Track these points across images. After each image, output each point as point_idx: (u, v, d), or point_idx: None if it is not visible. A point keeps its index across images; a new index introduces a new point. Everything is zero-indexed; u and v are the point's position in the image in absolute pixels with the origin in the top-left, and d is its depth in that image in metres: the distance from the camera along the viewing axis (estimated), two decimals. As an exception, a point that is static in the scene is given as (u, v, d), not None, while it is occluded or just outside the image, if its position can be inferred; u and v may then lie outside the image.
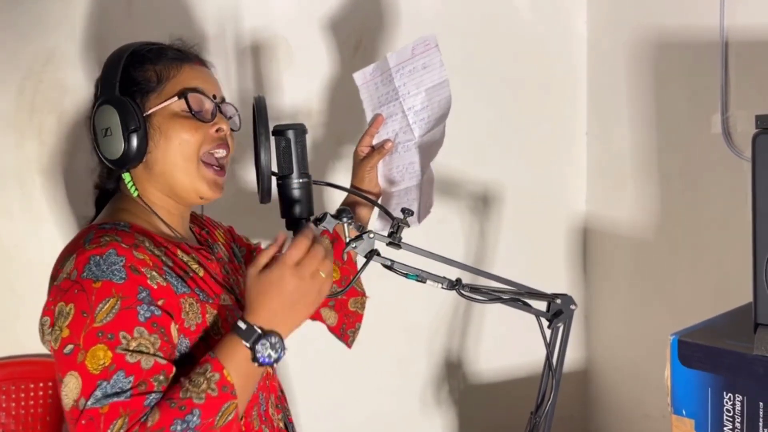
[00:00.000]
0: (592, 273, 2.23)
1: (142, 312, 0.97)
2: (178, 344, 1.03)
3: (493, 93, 2.07)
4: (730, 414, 1.09)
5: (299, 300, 1.01)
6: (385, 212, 1.28)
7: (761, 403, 1.06)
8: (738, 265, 1.47)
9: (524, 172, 2.14)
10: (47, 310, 1.00)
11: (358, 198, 1.36)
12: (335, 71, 1.88)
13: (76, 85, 1.62)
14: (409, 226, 1.18)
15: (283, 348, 1.00)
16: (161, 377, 0.96)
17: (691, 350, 1.13)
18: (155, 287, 1.00)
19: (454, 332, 2.12)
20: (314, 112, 1.87)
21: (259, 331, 0.98)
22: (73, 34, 1.63)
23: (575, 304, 1.24)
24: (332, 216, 1.15)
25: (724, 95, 1.67)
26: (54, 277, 1.03)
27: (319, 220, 1.15)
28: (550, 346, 1.25)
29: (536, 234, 2.17)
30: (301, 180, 1.09)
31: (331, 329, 1.41)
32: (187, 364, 1.03)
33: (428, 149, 1.31)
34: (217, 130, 1.13)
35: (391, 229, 1.17)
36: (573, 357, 2.23)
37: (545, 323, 1.25)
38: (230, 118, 1.18)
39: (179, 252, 1.10)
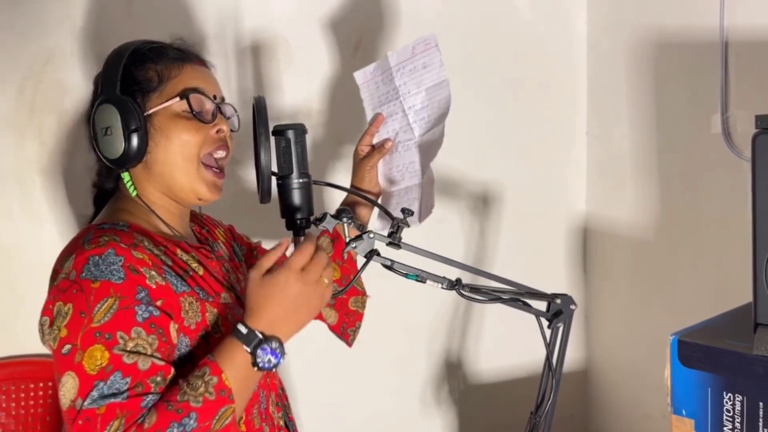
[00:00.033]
0: (592, 273, 2.23)
1: (140, 312, 0.97)
2: (178, 343, 1.03)
3: (493, 93, 2.07)
4: (730, 414, 1.09)
5: (302, 306, 1.01)
6: (385, 212, 1.28)
7: (761, 403, 1.06)
8: (738, 265, 1.47)
9: (524, 172, 2.14)
10: (46, 310, 1.00)
11: (357, 198, 1.36)
12: (335, 71, 1.88)
13: (76, 85, 1.63)
14: (408, 226, 1.18)
15: (283, 353, 1.00)
16: (158, 378, 0.96)
17: (691, 350, 1.13)
18: (154, 287, 1.00)
19: (454, 332, 2.12)
20: (314, 112, 1.87)
21: (260, 336, 0.98)
22: (73, 34, 1.63)
23: (575, 304, 1.24)
24: (332, 216, 1.15)
25: (724, 95, 1.67)
26: (54, 277, 1.04)
27: (319, 220, 1.15)
28: (550, 346, 1.25)
29: (536, 234, 2.17)
30: (301, 180, 1.09)
31: (332, 328, 1.41)
32: (187, 362, 1.03)
33: (428, 149, 1.31)
34: (217, 131, 1.13)
35: (391, 229, 1.17)
36: (573, 357, 2.23)
37: (545, 323, 1.25)
38: (229, 118, 1.18)
39: (179, 251, 1.10)
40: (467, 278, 1.22)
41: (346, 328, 1.41)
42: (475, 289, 1.20)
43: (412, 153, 1.33)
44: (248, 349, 0.98)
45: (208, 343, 1.06)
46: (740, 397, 1.08)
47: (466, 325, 2.13)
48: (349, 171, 1.39)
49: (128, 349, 0.95)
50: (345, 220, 1.14)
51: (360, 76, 1.37)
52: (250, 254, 1.38)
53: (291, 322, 1.01)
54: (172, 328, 1.01)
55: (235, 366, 0.97)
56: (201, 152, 1.11)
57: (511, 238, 2.13)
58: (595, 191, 2.19)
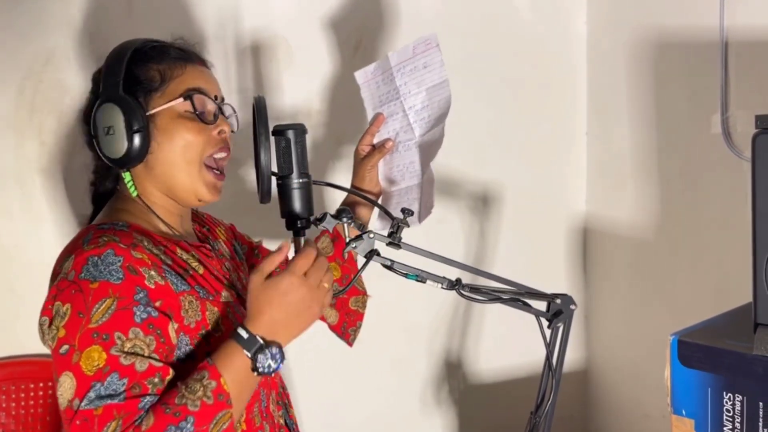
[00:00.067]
0: (592, 273, 2.23)
1: (138, 313, 0.97)
2: (178, 342, 1.03)
3: (493, 93, 2.07)
4: (730, 414, 1.09)
5: (303, 311, 1.01)
6: (385, 212, 1.28)
7: (761, 403, 1.06)
8: (738, 265, 1.47)
9: (524, 172, 2.14)
10: (46, 310, 1.00)
11: (358, 198, 1.36)
12: (335, 71, 1.88)
13: (76, 85, 1.62)
14: (408, 226, 1.18)
15: (282, 358, 0.99)
16: (156, 380, 0.96)
17: (691, 350, 1.13)
18: (153, 287, 1.00)
19: (454, 332, 2.12)
20: (314, 112, 1.87)
21: (261, 341, 0.98)
22: (73, 34, 1.63)
23: (575, 304, 1.24)
24: (332, 216, 1.15)
25: (724, 95, 1.67)
26: (54, 277, 1.04)
27: (319, 220, 1.15)
28: (550, 346, 1.25)
29: (536, 234, 2.17)
30: (301, 180, 1.09)
31: (332, 328, 1.41)
32: (187, 361, 1.03)
33: (428, 149, 1.31)
34: (219, 132, 1.13)
35: (391, 229, 1.17)
36: (573, 357, 2.23)
37: (545, 323, 1.25)
38: (228, 117, 1.18)
39: (178, 250, 1.10)
40: (467, 278, 1.22)
41: (347, 327, 1.41)
42: (475, 289, 1.20)
43: (413, 153, 1.33)
44: (248, 354, 0.98)
45: (209, 342, 1.06)
46: (740, 397, 1.08)
47: (466, 325, 2.13)
48: (350, 171, 1.39)
49: (125, 349, 0.95)
50: (345, 220, 1.15)
51: (361, 75, 1.37)
52: (251, 253, 1.38)
53: (292, 326, 1.01)
54: (171, 328, 1.01)
55: (234, 370, 0.97)
56: (203, 154, 1.11)
57: (511, 238, 2.13)
58: (595, 191, 2.19)
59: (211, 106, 1.13)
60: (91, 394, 0.92)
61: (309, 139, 1.13)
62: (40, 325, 1.00)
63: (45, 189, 1.66)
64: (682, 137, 1.85)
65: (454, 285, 1.18)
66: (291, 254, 1.09)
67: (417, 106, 1.31)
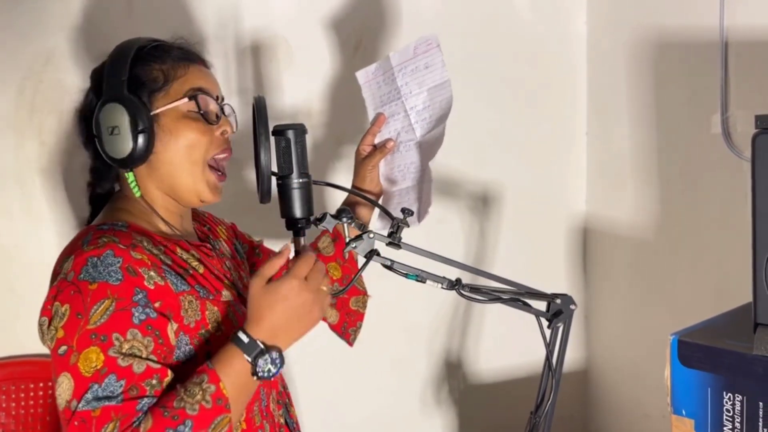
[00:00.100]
0: (592, 273, 2.23)
1: (136, 314, 0.97)
2: (178, 342, 1.03)
3: (493, 93, 2.07)
4: (730, 414, 1.09)
5: (304, 315, 1.01)
6: (385, 212, 1.28)
7: (761, 403, 1.06)
8: (738, 265, 1.47)
9: (524, 172, 2.14)
10: (45, 310, 1.00)
11: (358, 198, 1.36)
12: (335, 71, 1.88)
13: (76, 85, 1.62)
14: (408, 226, 1.18)
15: (282, 363, 1.00)
16: (154, 381, 0.96)
17: (691, 350, 1.13)
18: (152, 288, 1.00)
19: (454, 332, 2.12)
20: (314, 112, 1.87)
21: (262, 346, 0.98)
22: (73, 34, 1.63)
23: (575, 304, 1.24)
24: (332, 216, 1.16)
25: (724, 95, 1.67)
26: (54, 277, 1.04)
27: (319, 220, 1.15)
28: (550, 346, 1.25)
29: (536, 234, 2.17)
30: (301, 180, 1.09)
31: (333, 327, 1.41)
32: (187, 360, 1.03)
33: (429, 149, 1.31)
34: (222, 133, 1.13)
35: (391, 229, 1.17)
36: (573, 357, 2.23)
37: (545, 323, 1.25)
38: (228, 117, 1.18)
39: (178, 250, 1.10)
40: (467, 278, 1.22)
41: (347, 327, 1.41)
42: (475, 289, 1.20)
43: (413, 153, 1.33)
44: (249, 359, 0.98)
45: (209, 342, 1.06)
46: (740, 397, 1.08)
47: (466, 325, 2.13)
48: (350, 171, 1.39)
49: (123, 351, 0.95)
50: (345, 220, 1.15)
51: (362, 75, 1.37)
52: (252, 252, 1.38)
53: (293, 331, 1.01)
54: (170, 329, 1.01)
55: (233, 374, 0.97)
56: (208, 154, 1.11)
57: (511, 238, 2.13)
58: (595, 191, 2.19)
59: (213, 106, 1.13)
60: (89, 396, 0.93)
61: (309, 139, 1.13)
62: (40, 325, 1.00)
63: (45, 189, 1.65)
64: (682, 137, 1.85)
65: (454, 285, 1.18)
66: (291, 254, 1.09)
67: (418, 106, 1.31)
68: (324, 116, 1.88)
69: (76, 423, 0.93)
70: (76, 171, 1.60)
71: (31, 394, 1.63)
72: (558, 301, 1.24)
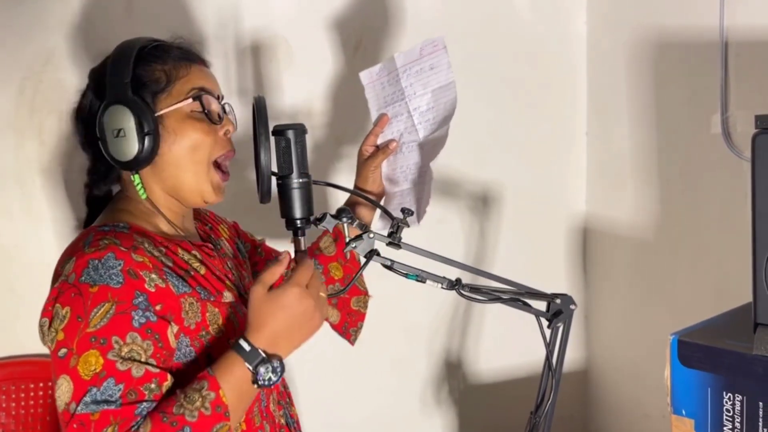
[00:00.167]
0: (592, 273, 2.23)
1: (136, 317, 0.97)
2: (179, 344, 1.03)
3: (493, 93, 2.07)
4: (730, 414, 1.09)
5: (305, 322, 1.01)
6: (385, 212, 1.28)
7: (761, 403, 1.06)
8: (738, 265, 1.47)
9: (524, 172, 2.14)
10: (46, 311, 1.00)
11: (360, 198, 1.36)
12: (336, 71, 1.88)
13: (76, 85, 1.61)
14: (408, 226, 1.18)
15: (282, 371, 1.00)
16: (153, 386, 0.96)
17: (691, 350, 1.13)
18: (153, 290, 1.00)
19: (454, 332, 2.12)
20: (314, 113, 1.87)
21: (263, 354, 0.98)
22: (73, 34, 1.63)
23: (575, 304, 1.24)
24: (332, 216, 1.16)
25: (724, 95, 1.67)
26: (55, 278, 1.04)
27: (319, 220, 1.15)
28: (549, 346, 1.25)
29: (536, 234, 2.17)
30: (300, 180, 1.09)
31: (334, 327, 1.41)
32: (187, 362, 1.03)
33: (431, 150, 1.31)
34: (225, 132, 1.13)
35: (391, 229, 1.17)
36: (573, 357, 2.23)
37: (545, 323, 1.25)
38: (228, 116, 1.18)
39: (180, 251, 1.10)
40: (467, 278, 1.22)
41: (348, 327, 1.41)
42: (475, 289, 1.20)
43: (416, 154, 1.33)
44: (250, 367, 0.97)
45: (209, 343, 1.06)
46: (740, 397, 1.08)
47: (466, 325, 2.13)
48: (351, 171, 1.39)
49: (123, 354, 0.95)
50: (345, 219, 1.15)
51: (365, 76, 1.37)
52: (255, 251, 1.38)
53: (294, 338, 1.01)
54: (170, 332, 1.01)
55: (234, 382, 0.97)
56: (212, 154, 1.11)
57: (511, 238, 2.13)
58: (595, 191, 2.19)
59: (215, 106, 1.13)
60: (87, 399, 0.93)
61: (309, 139, 1.13)
62: (41, 326, 1.00)
63: (45, 189, 1.65)
64: (682, 137, 1.85)
65: (454, 285, 1.18)
66: (291, 253, 1.09)
67: (422, 107, 1.31)
68: (324, 116, 1.88)
69: (74, 426, 0.93)
70: (76, 171, 1.60)
71: (31, 394, 1.63)
72: (558, 301, 1.24)
